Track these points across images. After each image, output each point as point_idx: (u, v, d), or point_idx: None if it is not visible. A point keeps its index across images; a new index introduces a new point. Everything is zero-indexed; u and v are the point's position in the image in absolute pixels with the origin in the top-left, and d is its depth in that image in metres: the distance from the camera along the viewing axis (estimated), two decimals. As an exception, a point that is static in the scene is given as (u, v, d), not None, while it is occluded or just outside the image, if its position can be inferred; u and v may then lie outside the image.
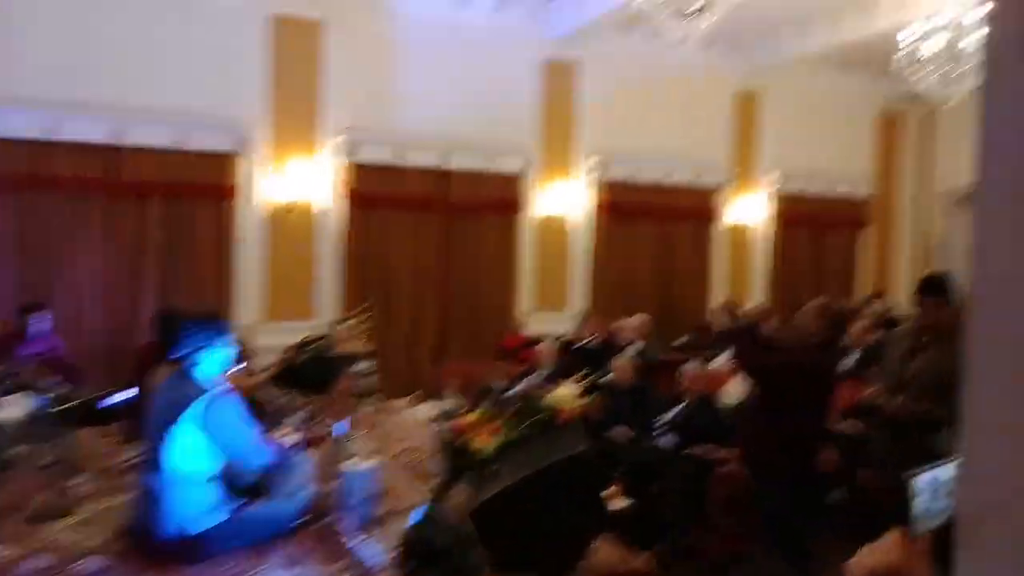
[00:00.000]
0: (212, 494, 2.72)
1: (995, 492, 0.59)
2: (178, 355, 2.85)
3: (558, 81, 8.29)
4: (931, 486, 0.88)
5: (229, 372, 3.08)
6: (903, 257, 11.13)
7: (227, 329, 3.07)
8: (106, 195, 6.42)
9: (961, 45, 5.83)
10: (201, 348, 2.85)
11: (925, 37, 6.00)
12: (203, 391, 2.75)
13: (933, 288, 3.67)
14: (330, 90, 7.15)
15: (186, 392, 2.76)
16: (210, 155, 6.71)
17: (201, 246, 6.74)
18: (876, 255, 10.84)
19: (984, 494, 0.57)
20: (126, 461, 3.73)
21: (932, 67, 6.07)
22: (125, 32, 6.37)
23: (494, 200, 8.00)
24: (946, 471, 0.91)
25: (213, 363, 2.89)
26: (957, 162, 10.73)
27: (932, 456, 3.10)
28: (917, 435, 3.34)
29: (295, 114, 7.03)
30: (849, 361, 5.72)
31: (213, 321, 3.05)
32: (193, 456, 2.68)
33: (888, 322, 8.75)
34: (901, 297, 10.59)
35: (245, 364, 4.19)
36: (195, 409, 2.70)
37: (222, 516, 2.69)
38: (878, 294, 10.01)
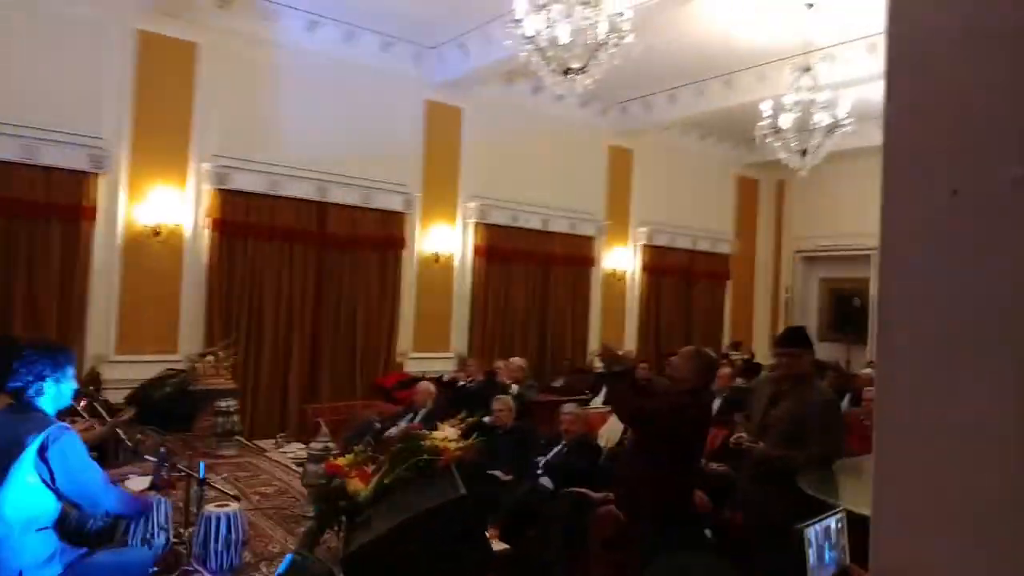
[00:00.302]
0: (49, 543, 2.41)
1: (908, 553, 0.60)
2: (13, 387, 2.53)
3: (441, 125, 8.39)
4: (821, 537, 0.87)
5: (69, 413, 2.78)
6: (761, 309, 12.03)
7: (70, 360, 2.76)
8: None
9: (813, 120, 6.47)
10: (40, 380, 2.55)
11: (780, 111, 6.61)
12: (40, 429, 2.45)
13: (791, 340, 3.95)
14: (201, 114, 6.84)
15: (20, 430, 2.45)
16: (62, 172, 6.17)
17: (47, 269, 6.12)
18: (737, 306, 11.65)
19: (896, 555, 0.57)
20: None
21: (788, 138, 6.68)
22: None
23: (373, 236, 7.88)
24: (834, 521, 0.89)
25: (51, 398, 2.59)
26: (805, 224, 11.83)
27: (794, 497, 3.30)
28: (778, 478, 3.53)
29: (161, 136, 6.65)
30: (713, 405, 6.01)
31: (54, 350, 2.73)
32: (28, 500, 2.37)
33: (748, 368, 9.35)
34: (760, 345, 11.39)
35: (86, 402, 3.80)
36: (31, 449, 2.39)
37: (59, 567, 2.38)
38: (737, 344, 10.70)
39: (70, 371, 2.70)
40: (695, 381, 3.53)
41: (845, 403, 6.73)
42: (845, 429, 4.12)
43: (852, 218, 11.10)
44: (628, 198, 10.21)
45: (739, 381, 7.75)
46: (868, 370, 8.90)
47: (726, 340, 11.11)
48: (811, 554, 0.79)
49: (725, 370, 6.55)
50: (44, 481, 2.42)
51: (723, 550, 4.10)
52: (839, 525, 0.85)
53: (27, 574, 2.31)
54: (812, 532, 0.79)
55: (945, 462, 0.66)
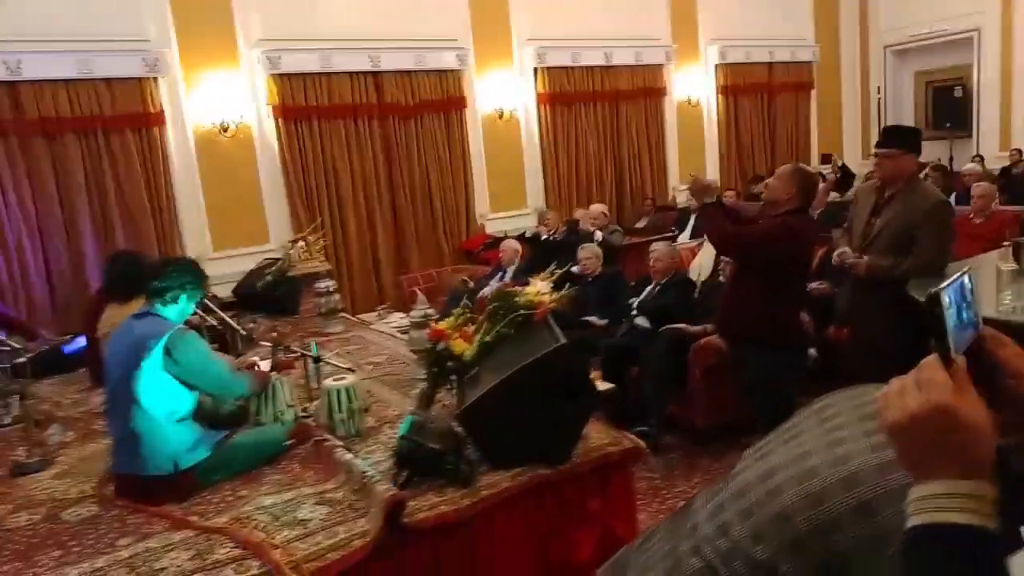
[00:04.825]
0: (192, 430, 2.64)
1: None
2: (158, 287, 2.68)
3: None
4: (958, 297, 0.76)
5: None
6: (850, 116, 11.21)
7: (206, 286, 2.94)
8: (13, 135, 5.85)
9: None
10: (180, 290, 2.71)
11: None
12: (162, 332, 2.60)
13: (890, 140, 3.65)
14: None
15: (144, 333, 2.61)
16: (121, 82, 6.19)
17: (133, 182, 6.31)
18: (824, 117, 10.90)
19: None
20: (99, 405, 3.61)
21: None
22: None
23: (432, 100, 7.65)
24: (966, 279, 0.78)
25: (179, 311, 2.75)
26: (894, 12, 10.66)
27: (905, 306, 3.18)
28: (888, 288, 3.39)
29: (205, 28, 6.50)
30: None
31: (201, 271, 2.91)
32: (165, 396, 2.57)
33: (843, 179, 8.90)
34: (851, 155, 10.75)
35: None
36: (158, 350, 2.56)
37: (206, 450, 2.61)
38: (827, 156, 10.13)
39: (201, 295, 2.86)
40: (797, 201, 3.34)
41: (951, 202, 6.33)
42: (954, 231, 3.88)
43: (950, -5, 9.92)
44: (695, 14, 9.42)
45: (833, 195, 7.41)
46: (972, 165, 8.27)
47: (814, 155, 10.51)
48: (950, 315, 0.70)
49: (821, 186, 6.22)
50: (176, 378, 2.60)
51: (828, 369, 4.08)
52: (971, 283, 0.76)
53: (180, 459, 2.55)
54: (949, 293, 0.70)
55: None
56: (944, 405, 0.70)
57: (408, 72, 7.47)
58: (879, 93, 10.90)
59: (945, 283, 0.74)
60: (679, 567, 1.05)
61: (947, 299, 0.73)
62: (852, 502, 0.86)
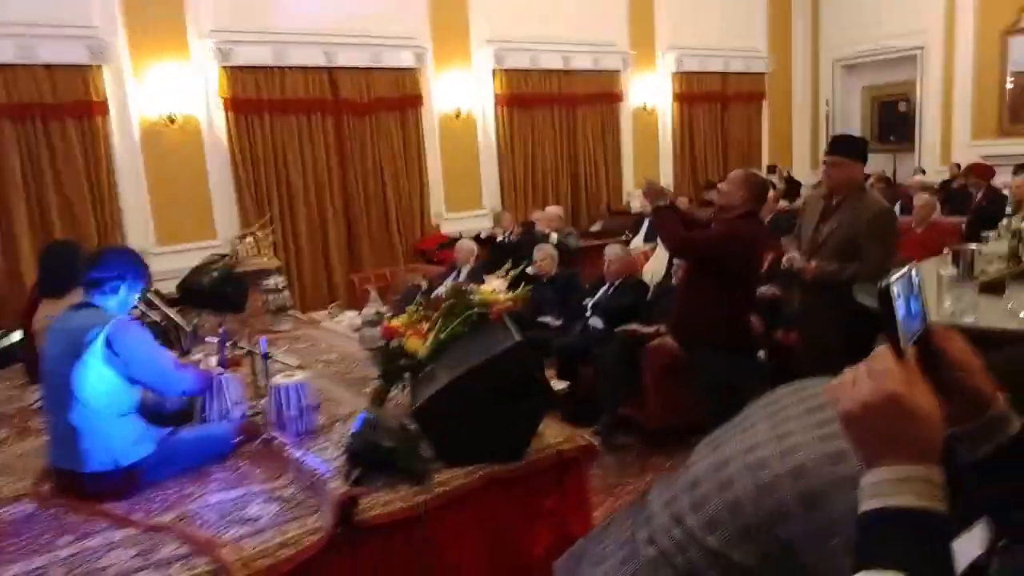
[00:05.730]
0: (134, 426, 2.54)
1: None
2: (94, 277, 2.56)
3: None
4: (905, 289, 0.78)
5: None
6: (800, 127, 11.53)
7: (147, 276, 2.84)
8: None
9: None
10: (119, 280, 2.60)
11: None
12: (102, 322, 2.49)
13: (840, 148, 3.75)
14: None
15: (83, 324, 2.50)
16: (63, 68, 5.97)
17: (73, 171, 6.09)
18: (775, 127, 11.18)
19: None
20: (35, 402, 3.44)
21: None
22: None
23: (388, 97, 7.59)
24: (913, 273, 0.80)
25: (119, 301, 2.64)
26: (844, 30, 11.01)
27: (850, 309, 3.27)
28: (833, 291, 3.49)
29: (154, 16, 6.31)
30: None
31: (140, 259, 2.80)
32: (105, 389, 2.46)
33: (789, 188, 9.14)
34: (800, 166, 11.04)
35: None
36: (98, 342, 2.45)
37: (150, 446, 2.52)
38: (772, 167, 10.40)
39: (141, 285, 2.75)
40: (748, 205, 3.41)
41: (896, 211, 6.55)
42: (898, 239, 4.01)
43: (896, 15, 10.28)
44: (652, 22, 9.57)
45: (782, 203, 7.60)
46: (918, 178, 8.59)
47: (765, 165, 10.78)
48: (899, 307, 0.72)
49: (770, 193, 6.37)
50: (117, 370, 2.50)
51: (777, 371, 4.17)
52: (918, 277, 0.78)
53: (121, 455, 2.45)
54: (897, 285, 0.72)
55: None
56: (896, 394, 0.71)
57: (364, 69, 7.39)
58: (828, 106, 11.24)
59: (894, 276, 0.76)
60: (635, 556, 1.05)
61: (896, 291, 0.75)
62: (799, 492, 0.88)
